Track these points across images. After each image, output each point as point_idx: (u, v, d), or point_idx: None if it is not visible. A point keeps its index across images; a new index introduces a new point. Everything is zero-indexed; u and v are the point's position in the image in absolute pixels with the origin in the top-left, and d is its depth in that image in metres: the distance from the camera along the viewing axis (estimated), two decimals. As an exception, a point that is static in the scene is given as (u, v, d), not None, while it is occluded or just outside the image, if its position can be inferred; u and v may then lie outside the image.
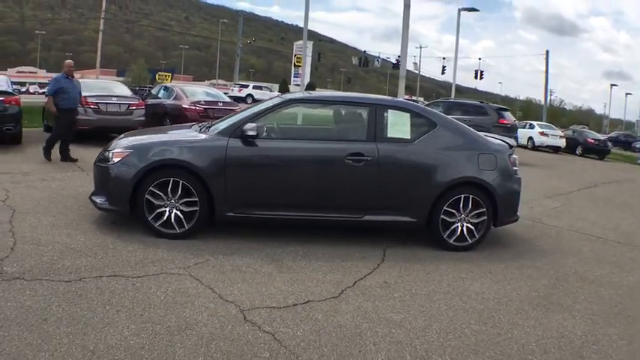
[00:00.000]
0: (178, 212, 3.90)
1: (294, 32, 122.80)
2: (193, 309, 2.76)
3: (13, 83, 8.88)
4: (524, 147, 19.31)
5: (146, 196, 3.84)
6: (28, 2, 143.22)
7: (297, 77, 26.68)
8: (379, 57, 43.32)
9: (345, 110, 4.71)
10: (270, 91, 36.97)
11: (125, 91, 10.29)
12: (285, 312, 2.84)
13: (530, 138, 20.65)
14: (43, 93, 10.63)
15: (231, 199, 3.95)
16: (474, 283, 3.61)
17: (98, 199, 4.03)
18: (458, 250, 4.27)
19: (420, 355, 2.52)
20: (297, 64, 34.35)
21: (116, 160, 3.93)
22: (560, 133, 21.84)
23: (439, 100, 18.00)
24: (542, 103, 42.63)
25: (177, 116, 9.83)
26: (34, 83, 57.43)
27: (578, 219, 6.23)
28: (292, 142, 4.24)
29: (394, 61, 33.23)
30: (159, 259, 3.48)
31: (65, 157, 7.08)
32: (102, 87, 10.08)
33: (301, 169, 4.09)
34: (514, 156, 4.57)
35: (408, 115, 4.41)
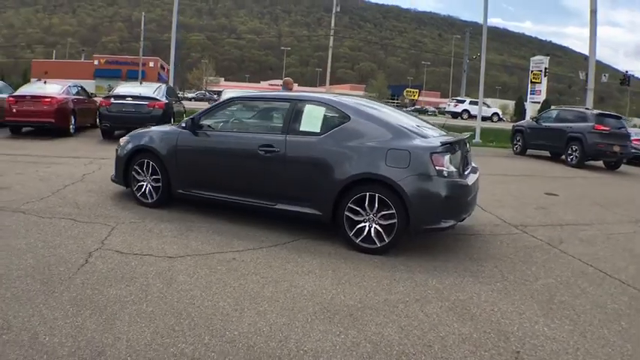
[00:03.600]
0: (150, 186, 5.14)
1: (548, 48, 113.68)
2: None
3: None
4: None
5: (132, 172, 5.22)
6: (285, 20, 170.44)
7: (533, 94, 25.47)
8: (628, 73, 38.07)
9: (274, 106, 5.09)
10: (488, 107, 37.94)
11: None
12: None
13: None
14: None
15: (179, 179, 4.98)
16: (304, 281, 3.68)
17: (112, 174, 5.60)
18: (367, 253, 4.14)
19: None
20: (533, 80, 33.45)
21: (121, 144, 5.44)
22: None
23: (555, 107, 15.99)
24: None
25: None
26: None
27: None
28: (223, 134, 4.93)
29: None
30: (113, 215, 4.78)
31: None
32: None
33: (226, 157, 4.76)
34: (443, 156, 4.07)
35: (323, 109, 4.57)
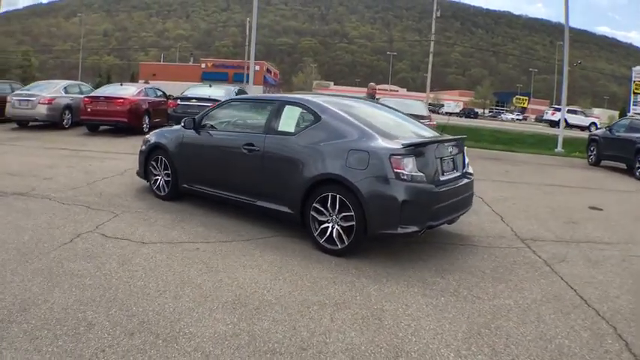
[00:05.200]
0: (163, 181, 5.71)
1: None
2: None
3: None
4: None
5: (150, 167, 5.85)
6: (396, 25, 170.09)
7: (635, 105, 23.72)
8: None
9: (262, 107, 5.23)
10: (585, 115, 39.10)
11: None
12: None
13: None
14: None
15: (183, 174, 5.46)
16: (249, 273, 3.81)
17: (137, 169, 6.27)
18: (330, 253, 4.16)
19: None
20: (635, 90, 31.26)
21: (144, 141, 6.09)
22: None
23: (629, 116, 14.53)
24: None
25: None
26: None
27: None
28: (218, 132, 5.26)
29: None
30: (125, 204, 5.42)
31: None
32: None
33: (218, 154, 5.11)
34: (403, 158, 3.92)
35: (299, 109, 4.65)
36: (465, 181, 4.69)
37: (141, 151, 6.01)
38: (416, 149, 4.03)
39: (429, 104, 31.38)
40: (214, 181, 5.20)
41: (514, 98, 40.03)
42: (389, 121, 4.82)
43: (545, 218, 6.03)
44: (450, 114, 47.33)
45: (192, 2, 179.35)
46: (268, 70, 79.24)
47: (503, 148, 15.83)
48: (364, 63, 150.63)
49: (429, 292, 3.54)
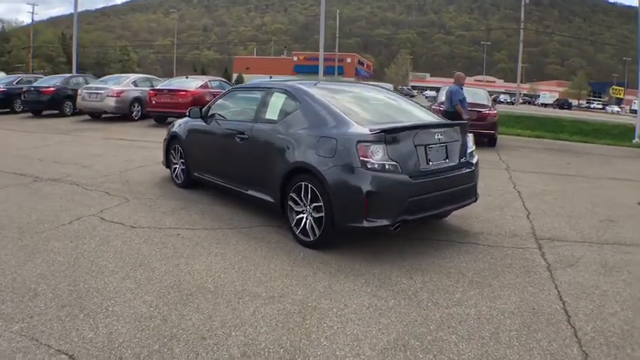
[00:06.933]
0: (180, 169, 5.96)
1: None
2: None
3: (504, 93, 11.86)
4: None
5: (170, 155, 6.14)
6: (494, 14, 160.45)
7: None
8: None
9: (256, 95, 5.05)
10: None
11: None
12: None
13: None
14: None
15: (193, 163, 5.64)
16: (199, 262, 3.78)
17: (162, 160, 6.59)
18: (304, 245, 4.01)
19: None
20: None
21: (168, 130, 6.39)
22: None
23: None
24: None
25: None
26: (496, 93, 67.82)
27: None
28: (220, 122, 5.25)
29: None
30: (142, 191, 5.76)
31: None
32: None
33: (218, 143, 5.17)
34: (371, 145, 3.59)
35: (284, 96, 4.48)
36: (464, 171, 4.18)
37: (164, 140, 6.33)
38: (387, 135, 3.67)
39: (524, 95, 29.09)
40: (215, 170, 5.29)
41: (610, 88, 36.54)
42: (379, 109, 4.46)
43: (579, 215, 5.19)
44: (545, 105, 44.57)
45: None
46: (360, 62, 78.79)
47: (579, 139, 14.23)
48: (462, 54, 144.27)
49: (382, 293, 3.21)
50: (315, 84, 4.82)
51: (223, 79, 15.58)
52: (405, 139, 3.77)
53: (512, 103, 52.10)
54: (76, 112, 14.95)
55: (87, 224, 4.46)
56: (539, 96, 65.44)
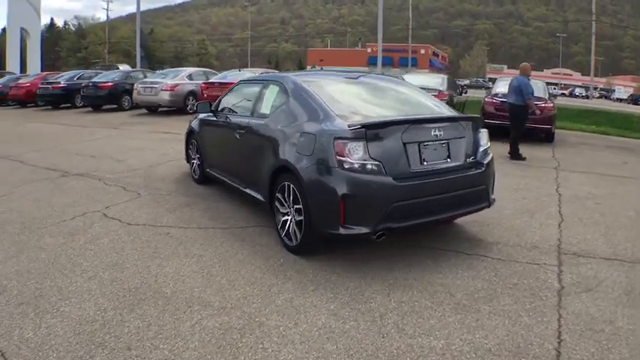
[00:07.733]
0: (196, 164, 5.92)
1: None
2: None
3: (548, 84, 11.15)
4: None
5: (188, 151, 6.13)
6: (571, 6, 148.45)
7: None
8: None
9: (257, 88, 4.76)
10: None
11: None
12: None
13: None
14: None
15: (207, 159, 5.57)
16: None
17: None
18: (287, 249, 3.74)
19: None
20: None
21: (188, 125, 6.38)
22: None
23: None
24: None
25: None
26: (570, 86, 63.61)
27: None
28: (227, 116, 5.04)
29: None
30: (157, 187, 5.80)
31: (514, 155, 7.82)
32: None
33: (222, 139, 5.02)
34: (348, 142, 3.20)
35: (277, 89, 4.19)
36: (471, 172, 3.63)
37: (185, 135, 6.33)
38: (369, 132, 3.24)
39: (600, 89, 26.38)
40: (221, 166, 5.19)
41: None
42: (377, 101, 4.02)
43: (619, 225, 4.38)
44: (620, 100, 42.22)
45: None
46: (435, 54, 76.06)
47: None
48: (540, 46, 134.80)
49: (345, 312, 2.84)
50: (315, 74, 4.51)
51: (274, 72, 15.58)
52: (391, 135, 3.32)
53: (587, 97, 49.94)
54: (134, 106, 15.53)
55: (87, 220, 4.53)
56: (614, 90, 61.53)
